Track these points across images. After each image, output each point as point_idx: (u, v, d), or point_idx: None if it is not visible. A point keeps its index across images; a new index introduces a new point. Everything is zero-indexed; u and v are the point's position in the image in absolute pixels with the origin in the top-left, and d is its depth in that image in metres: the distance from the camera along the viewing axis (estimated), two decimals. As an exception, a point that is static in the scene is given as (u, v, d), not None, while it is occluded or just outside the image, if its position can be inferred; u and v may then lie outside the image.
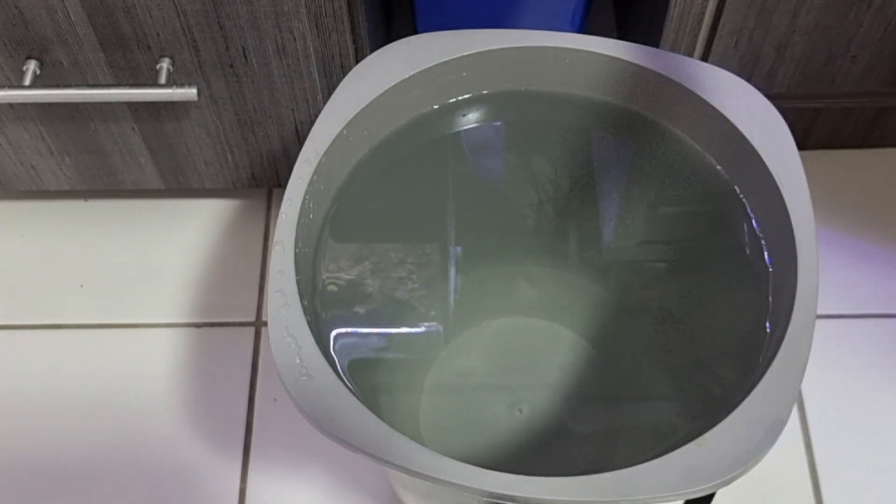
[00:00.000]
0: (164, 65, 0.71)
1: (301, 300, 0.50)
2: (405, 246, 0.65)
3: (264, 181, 0.86)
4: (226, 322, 0.85)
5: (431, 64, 0.57)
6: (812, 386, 0.80)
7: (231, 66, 0.72)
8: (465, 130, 0.62)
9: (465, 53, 0.59)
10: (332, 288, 0.58)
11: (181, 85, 0.70)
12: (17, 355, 0.84)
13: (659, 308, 0.65)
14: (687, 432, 0.47)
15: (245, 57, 0.72)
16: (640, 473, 0.45)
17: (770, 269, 0.55)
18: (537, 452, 0.64)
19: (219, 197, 0.92)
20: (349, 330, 0.59)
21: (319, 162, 0.54)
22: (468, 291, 0.68)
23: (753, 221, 0.56)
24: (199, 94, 0.70)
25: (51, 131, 0.79)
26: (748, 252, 0.57)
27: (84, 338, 0.85)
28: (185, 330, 0.85)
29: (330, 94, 0.57)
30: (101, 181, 0.86)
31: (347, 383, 0.49)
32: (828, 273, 0.83)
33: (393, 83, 0.57)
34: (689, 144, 0.59)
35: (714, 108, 0.56)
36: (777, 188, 0.53)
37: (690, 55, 0.75)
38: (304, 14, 0.68)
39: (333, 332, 0.56)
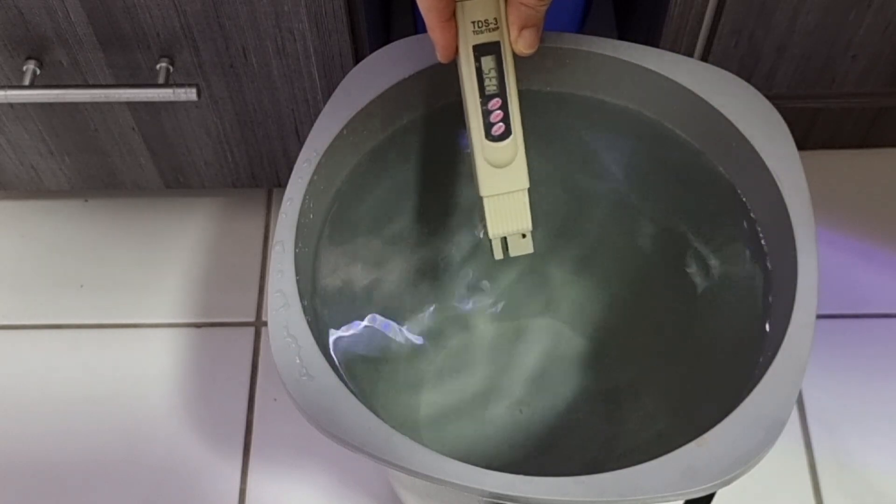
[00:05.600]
0: (164, 65, 0.71)
1: (301, 300, 0.50)
2: (405, 246, 0.65)
3: (264, 181, 0.86)
4: (226, 322, 0.85)
5: (431, 64, 0.57)
6: (812, 386, 0.80)
7: (231, 66, 0.72)
8: (466, 131, 0.62)
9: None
10: (332, 288, 0.58)
11: (181, 85, 0.70)
12: (17, 355, 0.84)
13: (659, 308, 0.65)
14: (687, 432, 0.47)
15: (245, 57, 0.72)
16: (640, 473, 0.45)
17: (770, 269, 0.54)
18: (537, 452, 0.64)
19: (219, 197, 0.92)
20: (349, 330, 0.59)
21: (319, 162, 0.54)
22: (469, 291, 0.68)
23: (753, 221, 0.56)
24: (199, 94, 0.70)
25: (51, 131, 0.79)
26: (748, 252, 0.57)
27: (84, 338, 0.85)
28: (185, 330, 0.85)
29: (330, 94, 0.57)
30: (101, 181, 0.86)
31: (347, 383, 0.49)
32: (828, 273, 0.83)
33: (393, 83, 0.57)
34: (689, 144, 0.59)
35: (714, 108, 0.56)
36: (777, 188, 0.53)
37: (690, 55, 0.75)
38: (304, 14, 0.68)
39: (333, 332, 0.56)
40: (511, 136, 0.51)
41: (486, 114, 0.50)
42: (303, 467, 0.78)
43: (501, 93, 0.50)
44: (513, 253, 0.53)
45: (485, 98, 0.50)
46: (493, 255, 0.53)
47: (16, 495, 0.77)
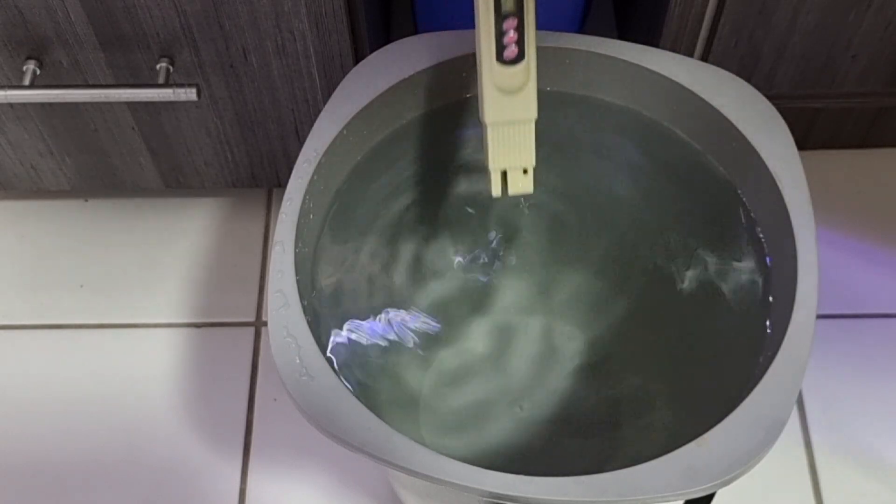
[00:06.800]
0: (164, 65, 0.71)
1: (301, 300, 0.50)
2: (405, 246, 0.65)
3: (264, 181, 0.86)
4: (226, 322, 0.85)
5: (431, 64, 0.57)
6: (812, 386, 0.80)
7: (231, 66, 0.72)
8: (466, 131, 0.62)
9: (465, 53, 0.59)
10: (332, 288, 0.58)
11: (181, 85, 0.70)
12: (17, 355, 0.84)
13: (658, 307, 0.65)
14: (687, 432, 0.47)
15: (245, 57, 0.72)
16: (640, 473, 0.45)
17: (770, 269, 0.55)
18: (537, 451, 0.64)
19: (219, 197, 0.92)
20: (349, 330, 0.59)
21: (319, 162, 0.55)
22: (468, 290, 0.68)
23: (753, 221, 0.56)
24: (199, 94, 0.70)
25: (51, 131, 0.79)
26: (748, 252, 0.57)
27: (84, 338, 0.85)
28: (185, 330, 0.85)
29: (330, 94, 0.57)
30: (101, 181, 0.86)
31: (347, 383, 0.49)
32: (828, 273, 0.83)
33: (393, 83, 0.57)
34: (689, 144, 0.59)
35: (714, 108, 0.56)
36: (777, 188, 0.53)
37: (690, 55, 0.75)
38: (304, 14, 0.68)
39: (333, 332, 0.56)
40: (524, 61, 0.47)
41: (500, 34, 0.47)
42: (303, 467, 0.78)
43: (518, 12, 0.47)
44: (512, 191, 0.50)
45: (500, 17, 0.47)
46: (490, 190, 0.50)
47: (16, 495, 0.77)
